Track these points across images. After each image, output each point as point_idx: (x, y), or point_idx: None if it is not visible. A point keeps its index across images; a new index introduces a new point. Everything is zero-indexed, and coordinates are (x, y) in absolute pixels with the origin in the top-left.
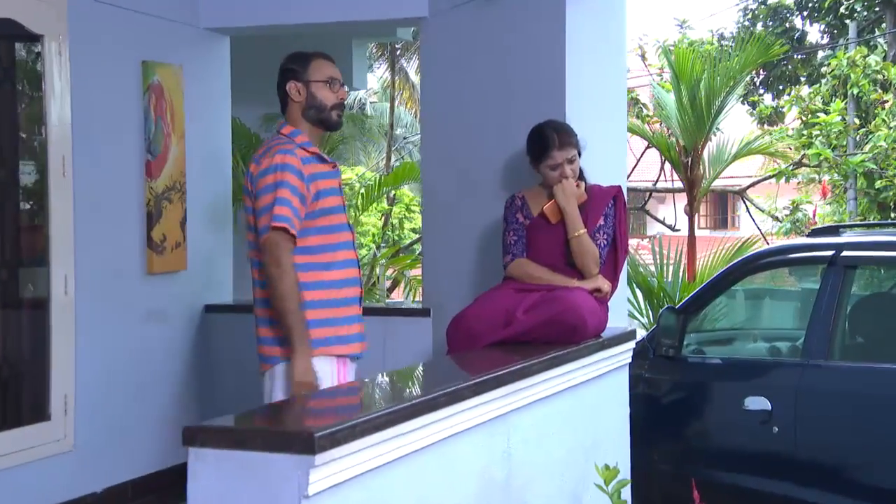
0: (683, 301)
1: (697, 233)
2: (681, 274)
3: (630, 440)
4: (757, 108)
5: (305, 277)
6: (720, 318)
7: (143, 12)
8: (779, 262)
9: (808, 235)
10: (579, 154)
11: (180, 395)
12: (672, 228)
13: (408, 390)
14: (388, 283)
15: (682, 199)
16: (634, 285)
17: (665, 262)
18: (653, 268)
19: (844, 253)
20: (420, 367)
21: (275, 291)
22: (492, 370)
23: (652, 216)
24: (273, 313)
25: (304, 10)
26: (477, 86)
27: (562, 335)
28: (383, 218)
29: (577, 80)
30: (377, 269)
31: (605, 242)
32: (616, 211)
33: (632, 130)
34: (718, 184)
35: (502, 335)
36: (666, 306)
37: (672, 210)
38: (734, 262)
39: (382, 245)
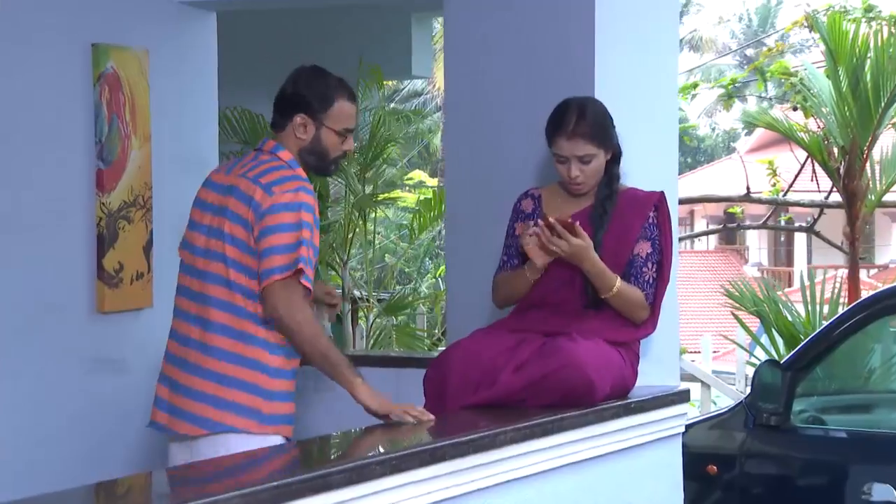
0: (791, 353)
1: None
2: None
3: None
4: None
5: (277, 338)
6: (841, 376)
7: None
8: None
9: None
10: (613, 155)
11: (141, 462)
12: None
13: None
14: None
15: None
16: (774, 331)
17: (817, 302)
18: (801, 308)
19: None
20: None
21: (302, 336)
22: (447, 437)
23: (826, 240)
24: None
25: None
26: (503, 78)
27: (562, 400)
28: None
29: (611, 67)
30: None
31: (656, 274)
32: (660, 225)
33: (771, 126)
34: (888, 198)
35: (480, 398)
36: (765, 360)
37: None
38: (863, 299)
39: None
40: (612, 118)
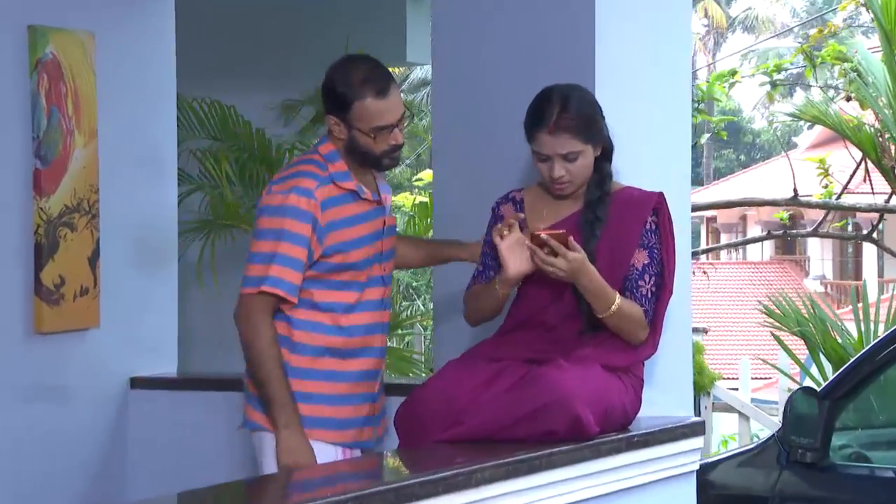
0: (830, 380)
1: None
2: None
3: None
4: None
5: (302, 338)
6: (889, 406)
7: None
8: None
9: None
10: (603, 151)
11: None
12: None
13: None
14: None
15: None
16: (821, 355)
17: (872, 321)
18: (853, 327)
19: None
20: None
21: (246, 354)
22: (416, 473)
23: (885, 249)
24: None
25: None
26: (495, 64)
27: (546, 436)
28: None
29: (614, 51)
30: None
31: (655, 288)
32: (660, 231)
33: (817, 120)
34: None
35: (448, 435)
36: (799, 387)
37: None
38: None
39: None
40: (600, 108)
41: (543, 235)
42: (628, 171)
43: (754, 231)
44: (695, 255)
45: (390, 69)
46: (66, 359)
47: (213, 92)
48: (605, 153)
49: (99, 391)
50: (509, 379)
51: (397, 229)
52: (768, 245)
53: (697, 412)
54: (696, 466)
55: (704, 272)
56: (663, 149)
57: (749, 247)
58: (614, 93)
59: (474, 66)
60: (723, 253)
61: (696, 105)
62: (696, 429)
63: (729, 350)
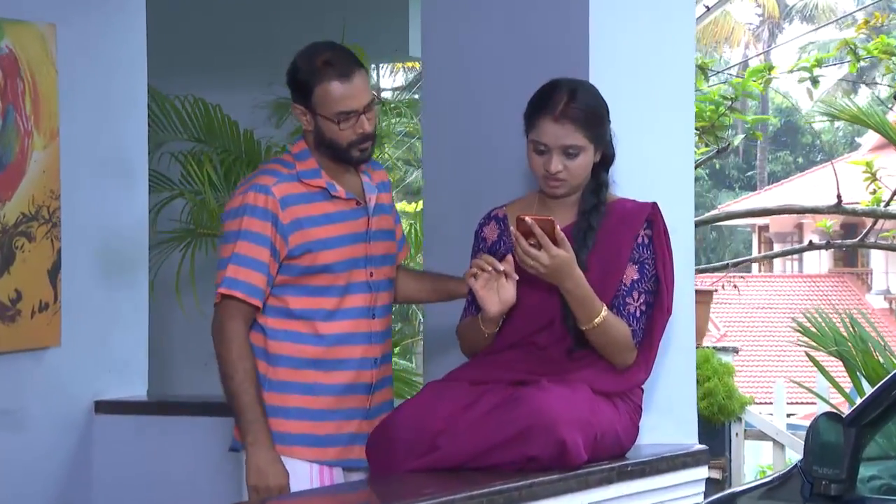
0: (857, 405)
1: None
2: None
3: None
4: None
5: (278, 348)
6: None
7: None
8: None
9: None
10: (603, 160)
11: None
12: None
13: None
14: None
15: None
16: (861, 378)
17: None
18: None
19: None
20: None
21: (219, 367)
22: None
23: None
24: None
25: None
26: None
27: (528, 464)
28: None
29: (609, 50)
30: None
31: (645, 306)
32: (654, 245)
33: (857, 119)
34: None
35: (422, 463)
36: (822, 412)
37: None
38: None
39: None
40: (608, 110)
41: (528, 220)
42: (624, 177)
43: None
44: (734, 265)
45: (395, 65)
46: (22, 381)
47: (196, 89)
48: (605, 161)
49: (60, 416)
50: (491, 401)
51: (399, 236)
52: (827, 257)
53: (728, 440)
54: (700, 499)
55: (735, 286)
56: (663, 153)
57: (807, 259)
58: (610, 91)
59: (465, 59)
60: (776, 264)
61: (730, 103)
62: (700, 458)
63: (765, 371)
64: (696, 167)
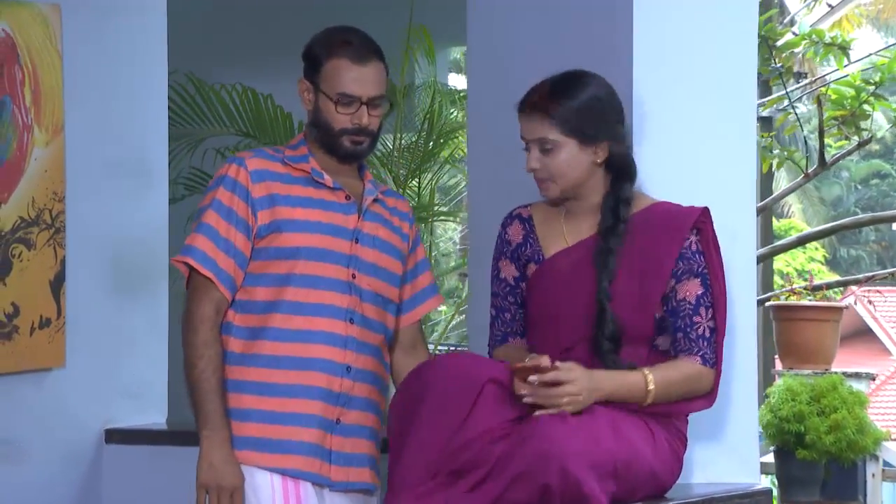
0: None
1: None
2: None
3: None
4: None
5: (237, 346)
6: None
7: None
8: None
9: None
10: (622, 171)
11: None
12: None
13: None
14: None
15: None
16: None
17: None
18: None
19: None
20: None
21: (184, 354)
22: None
23: None
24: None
25: None
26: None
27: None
28: None
29: (656, 36)
30: None
31: (712, 322)
32: (706, 253)
33: None
34: None
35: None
36: None
37: None
38: None
39: None
40: (617, 111)
41: (517, 365)
42: (675, 177)
43: None
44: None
45: (457, 48)
46: (22, 407)
47: (245, 78)
48: (624, 172)
49: (64, 446)
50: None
51: (427, 281)
52: None
53: (863, 481)
54: None
55: (870, 301)
56: (720, 150)
57: None
58: (657, 80)
59: (508, 53)
60: None
61: (874, 87)
62: (760, 499)
63: None
64: (833, 163)
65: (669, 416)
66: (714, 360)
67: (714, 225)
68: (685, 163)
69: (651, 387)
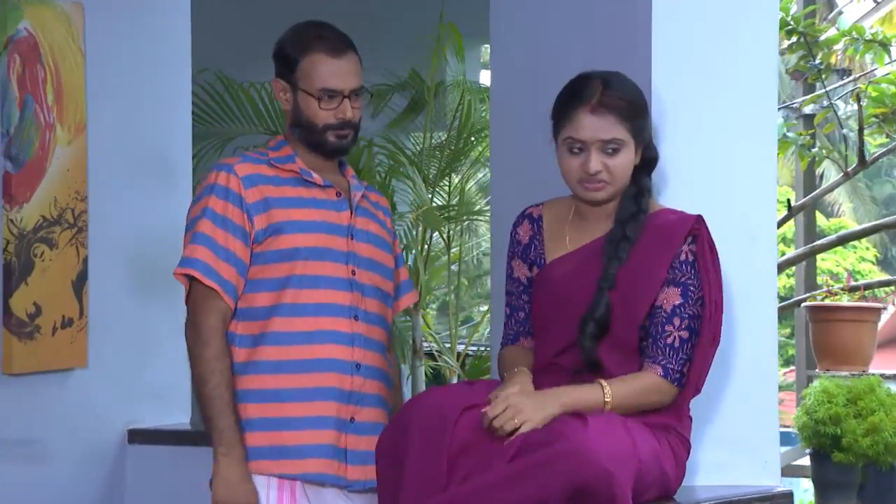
0: None
1: None
2: None
3: None
4: None
5: (242, 356)
6: None
7: None
8: None
9: None
10: (644, 163)
11: None
12: None
13: None
14: None
15: None
16: None
17: None
18: None
19: None
20: None
21: (193, 369)
22: None
23: None
24: None
25: None
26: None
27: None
28: None
29: (677, 42)
30: None
31: (688, 333)
32: (698, 263)
33: None
34: None
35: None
36: None
37: None
38: None
39: None
40: (647, 104)
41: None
42: (692, 179)
43: None
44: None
45: (488, 46)
46: (44, 407)
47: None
48: (647, 164)
49: (88, 446)
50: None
51: (403, 276)
52: None
53: None
54: None
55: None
56: (739, 149)
57: None
58: (676, 77)
59: (532, 51)
60: None
61: None
62: (781, 502)
63: None
64: (873, 161)
65: (668, 426)
66: (678, 373)
67: (710, 231)
68: (704, 162)
69: (608, 398)
